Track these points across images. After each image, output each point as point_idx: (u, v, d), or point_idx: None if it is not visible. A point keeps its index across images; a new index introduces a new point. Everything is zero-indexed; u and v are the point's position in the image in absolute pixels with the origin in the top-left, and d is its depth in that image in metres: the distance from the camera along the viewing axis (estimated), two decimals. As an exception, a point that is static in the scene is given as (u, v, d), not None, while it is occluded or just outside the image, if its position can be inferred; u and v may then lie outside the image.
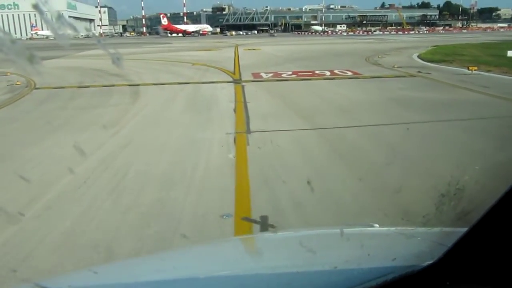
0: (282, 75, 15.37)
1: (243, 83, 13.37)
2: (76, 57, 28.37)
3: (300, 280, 1.07)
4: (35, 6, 1.08)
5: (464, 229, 0.91)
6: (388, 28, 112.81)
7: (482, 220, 0.86)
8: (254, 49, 34.43)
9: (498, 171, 3.40)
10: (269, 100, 10.39)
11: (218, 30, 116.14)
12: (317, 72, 16.07)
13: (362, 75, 14.98)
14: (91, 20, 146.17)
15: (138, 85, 13.56)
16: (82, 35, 53.28)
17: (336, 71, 16.09)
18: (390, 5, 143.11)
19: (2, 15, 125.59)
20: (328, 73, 15.60)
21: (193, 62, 21.95)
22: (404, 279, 0.94)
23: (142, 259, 1.89)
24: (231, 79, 14.68)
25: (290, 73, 15.98)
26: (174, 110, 9.53)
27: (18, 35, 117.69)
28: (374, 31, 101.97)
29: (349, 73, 15.51)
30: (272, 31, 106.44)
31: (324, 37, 78.49)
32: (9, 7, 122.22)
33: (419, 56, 23.26)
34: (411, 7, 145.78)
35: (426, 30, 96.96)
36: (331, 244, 1.43)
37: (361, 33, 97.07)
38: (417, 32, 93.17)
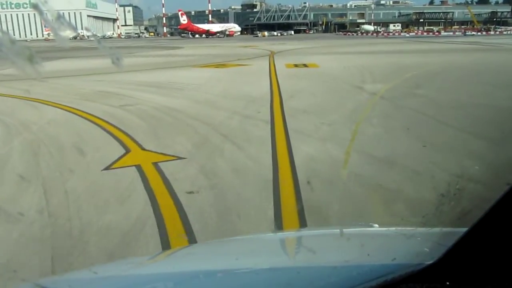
0: None
1: None
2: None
3: (300, 280, 1.06)
4: (35, 6, 1.03)
5: (464, 229, 0.89)
6: (452, 27, 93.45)
7: (482, 220, 0.85)
8: (305, 66, 18.81)
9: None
10: None
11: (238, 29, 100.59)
12: None
13: None
14: (114, 20, 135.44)
15: None
16: (87, 36, 44.89)
17: None
18: (441, 1, 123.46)
19: (17, 14, 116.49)
20: None
21: (148, 146, 6.78)
22: (404, 279, 0.92)
23: (142, 259, 1.82)
24: None
25: None
26: None
27: (34, 36, 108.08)
28: (437, 31, 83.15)
29: None
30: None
31: (382, 39, 60.84)
32: (25, 6, 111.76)
33: None
34: (466, 3, 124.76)
35: (510, 31, 76.92)
36: (331, 244, 1.42)
37: (424, 33, 78.74)
38: (496, 32, 73.86)
